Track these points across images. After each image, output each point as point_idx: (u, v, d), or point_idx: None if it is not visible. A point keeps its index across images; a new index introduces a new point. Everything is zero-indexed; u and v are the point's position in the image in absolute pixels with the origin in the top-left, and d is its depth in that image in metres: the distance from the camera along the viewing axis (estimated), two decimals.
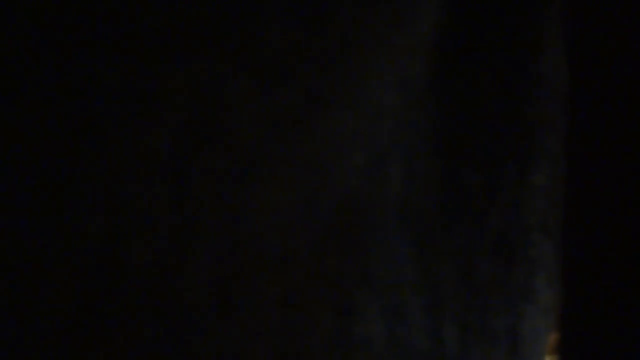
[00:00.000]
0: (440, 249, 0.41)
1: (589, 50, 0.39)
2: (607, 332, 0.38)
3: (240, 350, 0.36)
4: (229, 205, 0.36)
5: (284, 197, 0.37)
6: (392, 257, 0.39)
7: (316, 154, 0.37)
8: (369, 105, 0.38)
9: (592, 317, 0.39)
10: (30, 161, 0.35)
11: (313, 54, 0.36)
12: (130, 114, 0.35)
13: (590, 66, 0.40)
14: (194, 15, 0.35)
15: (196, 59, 0.35)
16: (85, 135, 0.35)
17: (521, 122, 0.43)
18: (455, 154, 0.41)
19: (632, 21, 0.37)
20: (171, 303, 0.35)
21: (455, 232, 0.41)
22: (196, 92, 0.35)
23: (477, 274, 0.42)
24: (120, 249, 0.35)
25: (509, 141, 0.42)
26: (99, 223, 0.35)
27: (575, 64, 0.40)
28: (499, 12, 0.42)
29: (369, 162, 0.38)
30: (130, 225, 0.35)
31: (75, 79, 0.35)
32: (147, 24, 0.35)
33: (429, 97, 0.41)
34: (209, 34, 0.35)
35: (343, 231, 0.38)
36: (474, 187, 0.42)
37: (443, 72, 0.41)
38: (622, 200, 0.38)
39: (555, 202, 0.44)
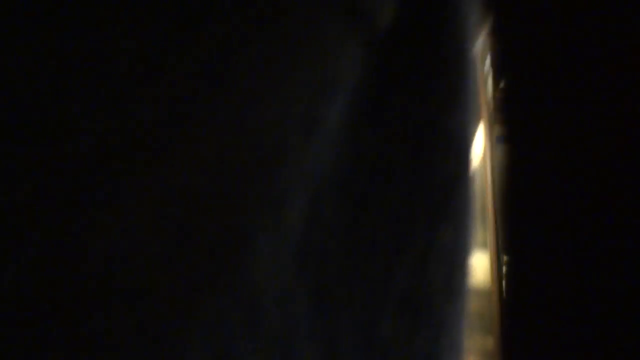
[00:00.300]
0: (341, 299, 0.40)
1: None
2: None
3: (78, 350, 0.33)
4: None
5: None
6: (284, 301, 0.37)
7: (198, 175, 0.34)
8: (267, 138, 0.36)
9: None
10: None
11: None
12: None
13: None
14: None
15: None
16: None
17: (431, 179, 0.42)
18: (365, 203, 0.40)
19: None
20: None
21: (358, 283, 0.40)
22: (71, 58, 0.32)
23: (378, 331, 0.41)
24: None
25: (419, 197, 0.42)
26: None
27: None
28: (416, 68, 0.42)
29: (262, 197, 0.36)
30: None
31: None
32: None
33: (341, 142, 0.39)
34: None
35: (224, 266, 0.35)
36: (381, 239, 0.41)
37: (358, 120, 0.40)
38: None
39: (459, 265, 0.43)
